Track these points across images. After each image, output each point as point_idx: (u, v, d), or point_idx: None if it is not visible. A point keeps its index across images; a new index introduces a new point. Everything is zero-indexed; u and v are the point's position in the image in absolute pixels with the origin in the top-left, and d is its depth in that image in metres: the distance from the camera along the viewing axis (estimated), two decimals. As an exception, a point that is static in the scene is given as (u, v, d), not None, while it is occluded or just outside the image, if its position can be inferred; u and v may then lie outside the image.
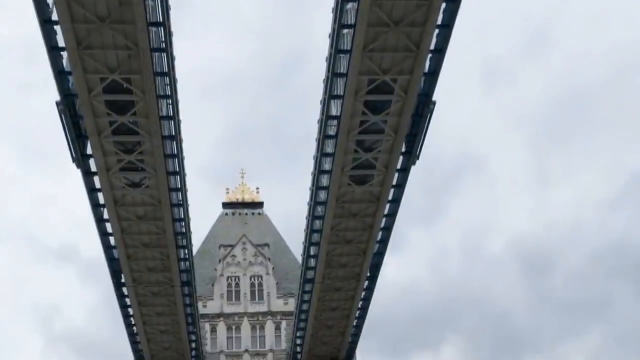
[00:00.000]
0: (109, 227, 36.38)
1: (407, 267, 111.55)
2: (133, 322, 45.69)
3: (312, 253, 40.22)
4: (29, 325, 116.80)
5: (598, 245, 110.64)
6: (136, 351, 49.10)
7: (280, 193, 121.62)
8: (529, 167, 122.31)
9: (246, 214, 65.17)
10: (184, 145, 32.88)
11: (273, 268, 57.44)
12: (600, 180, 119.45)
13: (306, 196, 38.09)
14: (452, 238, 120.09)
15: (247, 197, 65.93)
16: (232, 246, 58.12)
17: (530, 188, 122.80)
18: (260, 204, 65.93)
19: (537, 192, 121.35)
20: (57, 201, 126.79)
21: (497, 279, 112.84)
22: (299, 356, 51.25)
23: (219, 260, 57.68)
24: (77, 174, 33.21)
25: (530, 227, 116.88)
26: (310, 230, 38.59)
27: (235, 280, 56.67)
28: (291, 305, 54.28)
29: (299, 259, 51.10)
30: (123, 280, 41.16)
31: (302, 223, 41.04)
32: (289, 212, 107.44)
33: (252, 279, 56.78)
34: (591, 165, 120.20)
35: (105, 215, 35.36)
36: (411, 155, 32.86)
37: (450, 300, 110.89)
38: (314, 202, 36.24)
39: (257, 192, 66.59)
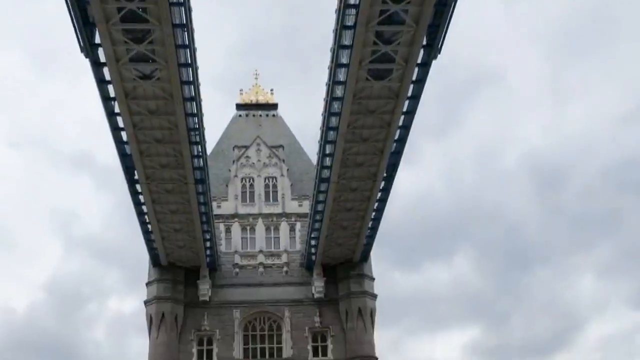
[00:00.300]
0: (120, 122, 35.59)
1: (420, 178, 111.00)
2: (147, 220, 45.50)
3: (327, 151, 39.38)
4: (48, 231, 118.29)
5: (611, 160, 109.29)
6: (151, 249, 49.18)
7: (295, 96, 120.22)
8: (546, 81, 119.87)
9: (260, 115, 64.07)
10: (196, 36, 31.69)
11: (287, 170, 56.87)
12: (617, 95, 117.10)
13: (321, 99, 37.32)
14: (466, 151, 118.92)
15: (261, 99, 64.64)
16: (246, 147, 57.40)
17: (546, 102, 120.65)
18: (274, 106, 64.72)
19: (553, 106, 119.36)
20: (71, 107, 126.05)
21: (509, 193, 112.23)
22: (313, 257, 51.26)
23: (233, 161, 57.12)
24: (90, 78, 32.44)
25: (545, 141, 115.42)
26: (326, 128, 37.62)
27: (249, 181, 56.22)
28: (306, 207, 53.99)
29: (314, 161, 50.46)
30: (136, 177, 40.70)
31: (317, 126, 40.28)
32: (303, 115, 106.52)
33: (267, 181, 56.30)
34: (608, 80, 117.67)
35: (117, 109, 34.53)
36: (432, 49, 31.50)
37: (462, 212, 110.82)
38: (331, 98, 35.11)
39: (272, 94, 65.30)
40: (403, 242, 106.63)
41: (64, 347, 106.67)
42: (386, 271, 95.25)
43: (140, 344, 50.57)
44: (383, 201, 44.69)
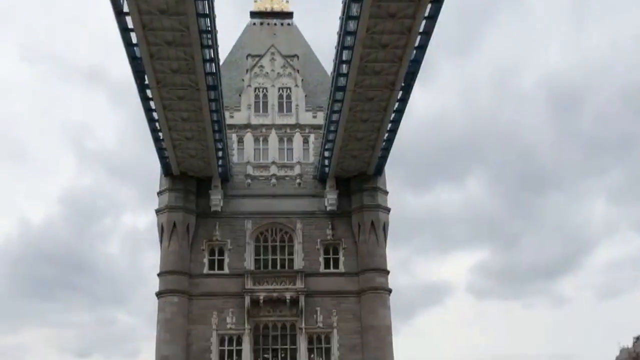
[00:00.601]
0: (129, 22, 34.13)
1: (436, 99, 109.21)
2: (158, 128, 44.57)
3: (344, 58, 37.93)
4: (61, 145, 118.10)
5: (630, 83, 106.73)
6: (162, 158, 48.36)
7: (311, 7, 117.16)
8: (567, 2, 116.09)
9: (275, 24, 62.08)
10: None
11: (302, 80, 55.37)
12: (638, 17, 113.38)
13: (337, 9, 35.77)
14: (483, 71, 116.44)
15: (277, 7, 62.46)
16: (260, 56, 55.72)
17: (566, 24, 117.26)
18: (289, 14, 62.56)
19: (573, 28, 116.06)
20: (84, 22, 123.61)
21: (525, 115, 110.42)
22: (326, 169, 50.44)
23: (246, 71, 55.56)
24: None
25: (563, 63, 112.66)
26: (343, 32, 36.10)
27: (263, 91, 54.78)
28: (320, 118, 52.85)
29: (329, 72, 49.03)
30: (147, 82, 39.53)
31: (333, 37, 38.76)
32: (319, 26, 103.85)
33: (280, 91, 54.83)
34: (631, 0, 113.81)
35: (125, 8, 33.08)
36: (459, -53, 29.68)
37: (477, 133, 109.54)
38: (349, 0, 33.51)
39: (287, 2, 63.07)
40: (416, 163, 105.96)
41: (79, 260, 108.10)
42: (398, 191, 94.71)
43: (153, 257, 50.44)
44: (400, 112, 43.44)
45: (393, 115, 43.38)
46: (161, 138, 45.68)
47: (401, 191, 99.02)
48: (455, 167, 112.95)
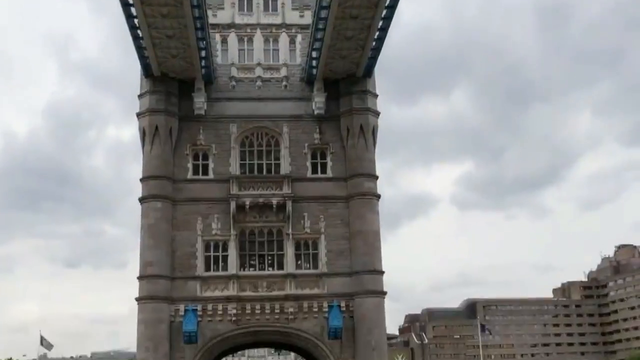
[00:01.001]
0: None
1: (423, 9, 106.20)
2: (137, 25, 42.27)
3: (334, -53, 35.61)
4: (44, 55, 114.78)
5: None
6: (142, 57, 46.08)
7: None
8: None
9: None
10: None
11: (289, -24, 52.57)
12: None
13: None
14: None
15: None
16: (244, -49, 52.70)
17: None
18: None
19: None
20: None
21: (513, 27, 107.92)
22: (314, 71, 48.47)
23: (230, -34, 52.63)
24: None
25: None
26: None
27: (247, -12, 52.12)
28: (307, 17, 50.33)
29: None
30: (123, -26, 37.13)
31: None
32: None
33: (266, -12, 52.23)
34: None
35: None
36: None
37: (465, 45, 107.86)
38: None
39: None
40: (402, 75, 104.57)
41: (64, 173, 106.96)
42: (384, 103, 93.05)
43: (138, 169, 48.63)
44: (392, 8, 41.34)
45: (385, 11, 41.29)
46: (140, 36, 43.42)
47: (386, 102, 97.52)
48: (441, 80, 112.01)
